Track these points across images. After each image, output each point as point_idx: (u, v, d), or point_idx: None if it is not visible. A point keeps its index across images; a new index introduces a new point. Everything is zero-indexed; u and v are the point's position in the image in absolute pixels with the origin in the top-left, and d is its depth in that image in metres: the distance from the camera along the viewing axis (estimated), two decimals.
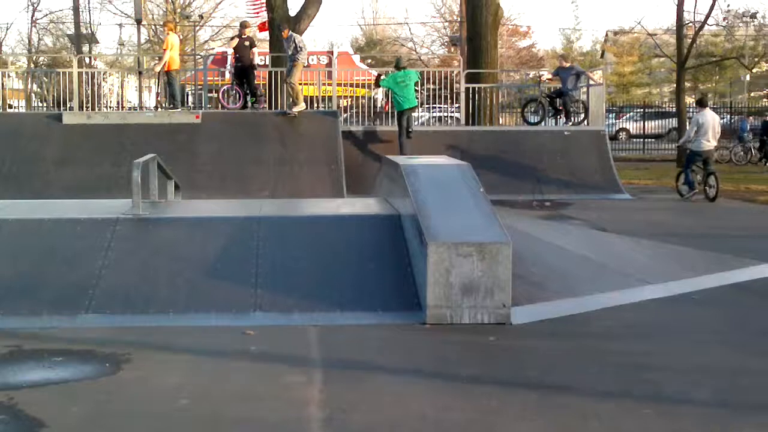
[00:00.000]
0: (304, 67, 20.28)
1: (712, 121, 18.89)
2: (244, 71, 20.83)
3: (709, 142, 18.84)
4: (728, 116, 42.79)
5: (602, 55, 71.28)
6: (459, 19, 49.48)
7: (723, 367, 6.78)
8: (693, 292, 9.42)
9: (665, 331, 7.90)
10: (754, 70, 55.32)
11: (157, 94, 21.98)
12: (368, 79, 32.12)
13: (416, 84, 20.35)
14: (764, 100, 62.71)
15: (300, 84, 20.08)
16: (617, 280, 9.69)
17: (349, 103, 21.77)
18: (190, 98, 28.33)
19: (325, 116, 20.27)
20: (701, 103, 20.37)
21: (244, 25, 21.56)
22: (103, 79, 30.82)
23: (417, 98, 20.58)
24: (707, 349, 7.31)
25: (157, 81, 21.04)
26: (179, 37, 27.26)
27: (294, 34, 19.95)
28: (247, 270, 8.70)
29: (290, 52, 19.71)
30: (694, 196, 18.89)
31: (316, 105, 22.77)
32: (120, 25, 79.91)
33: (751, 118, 36.90)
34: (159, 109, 20.46)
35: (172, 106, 20.64)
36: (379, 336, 7.62)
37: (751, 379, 6.41)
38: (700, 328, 8.05)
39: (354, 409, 5.71)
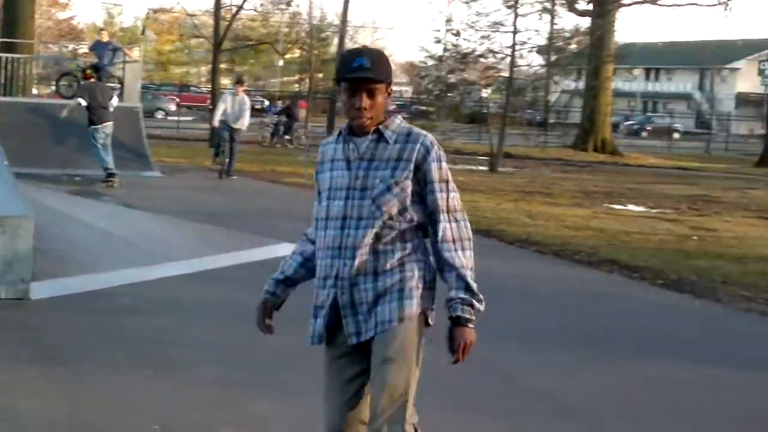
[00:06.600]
0: None
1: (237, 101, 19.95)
2: None
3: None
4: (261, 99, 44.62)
5: (143, 32, 70.90)
6: None
7: (231, 342, 7.03)
8: (214, 270, 9.77)
9: (184, 307, 8.22)
10: (286, 56, 58.05)
11: None
12: None
13: None
14: (296, 85, 65.93)
15: None
16: (142, 256, 9.89)
17: None
18: None
19: None
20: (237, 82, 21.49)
21: None
22: None
23: None
24: (223, 325, 7.60)
25: None
26: None
27: None
28: None
29: None
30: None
31: None
32: None
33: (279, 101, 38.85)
34: None
35: None
36: None
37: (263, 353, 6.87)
38: (217, 304, 8.39)
39: None
